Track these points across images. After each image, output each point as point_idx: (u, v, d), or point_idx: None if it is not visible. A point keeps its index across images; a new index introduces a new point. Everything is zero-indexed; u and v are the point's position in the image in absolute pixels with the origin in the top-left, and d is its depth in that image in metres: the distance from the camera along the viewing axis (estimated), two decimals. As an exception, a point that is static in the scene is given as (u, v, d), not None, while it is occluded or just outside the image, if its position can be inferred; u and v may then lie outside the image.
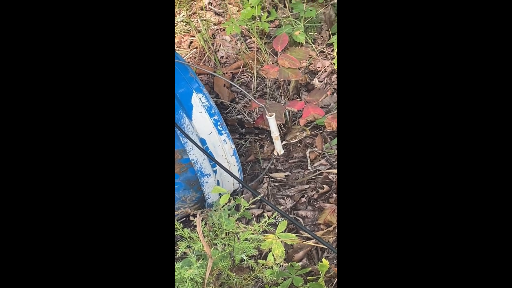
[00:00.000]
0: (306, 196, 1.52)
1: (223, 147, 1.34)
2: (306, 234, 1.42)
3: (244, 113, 1.73)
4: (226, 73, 1.84)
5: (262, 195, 1.14)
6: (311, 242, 1.39)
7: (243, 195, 1.52)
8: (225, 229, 1.11)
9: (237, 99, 1.78)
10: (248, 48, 1.91)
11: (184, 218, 1.45)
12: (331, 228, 1.44)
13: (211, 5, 2.11)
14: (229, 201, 1.17)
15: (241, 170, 1.41)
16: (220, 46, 1.93)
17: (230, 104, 1.76)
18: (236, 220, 1.13)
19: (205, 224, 1.11)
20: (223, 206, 1.15)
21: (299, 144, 1.65)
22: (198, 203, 1.42)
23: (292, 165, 1.61)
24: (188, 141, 1.27)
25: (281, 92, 1.77)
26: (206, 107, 1.32)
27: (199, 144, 1.29)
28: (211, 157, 1.29)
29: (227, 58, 1.91)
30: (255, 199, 1.10)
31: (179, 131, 1.27)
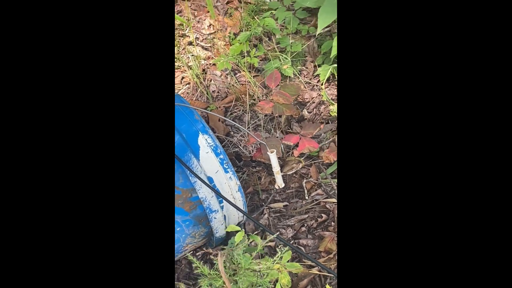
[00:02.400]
0: (305, 225, 1.61)
1: (229, 184, 1.42)
2: (308, 262, 1.51)
3: (240, 146, 1.81)
4: (219, 107, 1.92)
5: (278, 233, 1.22)
6: (314, 270, 1.48)
7: (245, 227, 1.60)
8: (243, 266, 1.19)
9: (232, 133, 1.86)
10: (238, 82, 2.00)
11: (192, 252, 1.52)
12: (331, 255, 1.53)
13: (197, 40, 2.18)
14: (244, 238, 1.25)
15: (245, 204, 1.49)
16: (211, 81, 2.01)
17: (226, 138, 1.84)
18: (252, 257, 1.21)
19: (226, 262, 1.18)
20: (238, 244, 1.23)
21: (294, 175, 1.73)
22: (206, 238, 1.49)
23: (289, 195, 1.70)
24: (197, 180, 1.35)
25: (274, 125, 1.85)
26: (212, 147, 1.40)
27: (207, 182, 1.37)
28: (219, 194, 1.37)
29: (218, 92, 1.99)
30: (271, 238, 1.18)
31: (188, 171, 1.34)
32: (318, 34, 1.72)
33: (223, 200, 1.39)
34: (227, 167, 1.40)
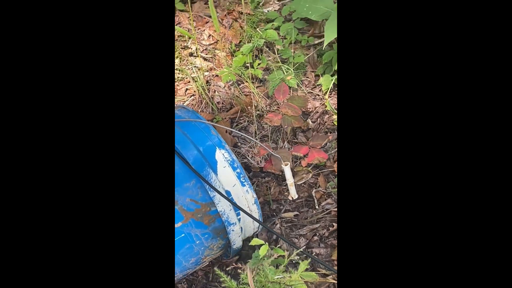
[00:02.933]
0: (318, 234, 1.65)
1: (246, 197, 1.46)
2: (323, 271, 1.55)
3: (248, 157, 1.85)
4: (225, 118, 1.95)
5: (304, 246, 1.26)
6: (329, 279, 1.53)
7: (257, 237, 1.64)
8: (270, 279, 1.23)
9: (239, 144, 1.90)
10: (242, 93, 2.03)
11: (207, 263, 1.56)
12: (345, 263, 1.57)
13: (198, 51, 2.21)
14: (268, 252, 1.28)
15: (261, 216, 1.53)
16: (215, 92, 2.04)
17: (233, 149, 1.87)
18: (281, 271, 1.25)
19: (254, 276, 1.22)
20: (263, 257, 1.27)
21: (303, 185, 1.78)
22: (223, 249, 1.53)
23: (299, 204, 1.75)
24: (216, 194, 1.38)
25: (281, 136, 1.89)
26: (229, 161, 1.43)
27: (225, 195, 1.41)
28: (237, 206, 1.41)
29: (223, 103, 2.03)
30: (297, 252, 1.22)
31: (207, 185, 1.38)
32: (325, 47, 1.76)
33: (240, 213, 1.43)
34: (244, 180, 1.44)
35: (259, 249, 1.31)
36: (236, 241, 1.48)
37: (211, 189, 1.38)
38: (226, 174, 1.43)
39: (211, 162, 1.42)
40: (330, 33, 1.68)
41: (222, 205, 1.41)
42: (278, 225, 1.68)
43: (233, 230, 1.45)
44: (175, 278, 1.46)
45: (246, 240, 1.56)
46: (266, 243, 1.31)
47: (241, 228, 1.49)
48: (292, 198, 1.60)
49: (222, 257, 1.62)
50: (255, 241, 1.34)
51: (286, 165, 1.55)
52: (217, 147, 1.45)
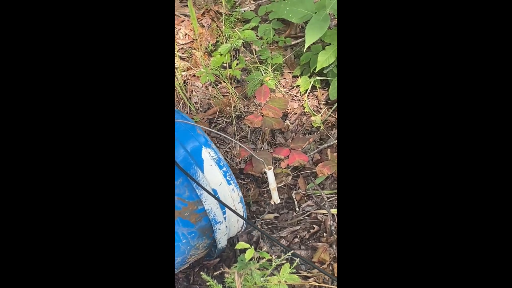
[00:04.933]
0: (298, 236, 1.66)
1: (232, 196, 1.46)
2: (304, 273, 1.56)
3: (227, 158, 1.84)
4: (203, 119, 1.94)
5: (292, 251, 1.27)
6: (311, 281, 1.53)
7: (238, 240, 1.64)
8: (258, 283, 1.23)
9: (217, 145, 1.89)
10: (220, 93, 2.02)
11: (205, 270, 1.54)
12: (325, 266, 1.59)
13: (174, 50, 2.19)
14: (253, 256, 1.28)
15: (246, 214, 1.53)
16: (192, 92, 2.03)
17: (212, 150, 1.86)
18: (266, 274, 1.25)
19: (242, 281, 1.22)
20: (249, 260, 1.27)
21: (282, 186, 1.78)
22: (207, 249, 1.52)
23: (279, 206, 1.75)
24: (203, 192, 1.38)
25: (260, 137, 1.89)
26: (215, 160, 1.44)
27: (212, 193, 1.40)
28: (223, 204, 1.40)
29: (200, 103, 2.01)
30: (287, 255, 1.22)
31: (194, 184, 1.37)
32: (305, 49, 1.77)
33: (226, 212, 1.42)
34: (230, 179, 1.44)
35: (245, 252, 1.30)
36: (222, 240, 1.48)
37: (199, 187, 1.37)
38: (212, 172, 1.43)
39: (197, 160, 1.42)
40: (311, 36, 1.69)
41: (209, 203, 1.41)
42: (258, 227, 1.68)
43: (219, 229, 1.45)
44: None
45: (228, 243, 1.56)
46: (252, 246, 1.30)
47: (227, 227, 1.49)
48: (274, 202, 1.61)
49: (205, 258, 1.62)
50: (240, 245, 1.33)
51: (269, 169, 1.55)
52: (203, 146, 1.44)
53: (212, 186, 1.41)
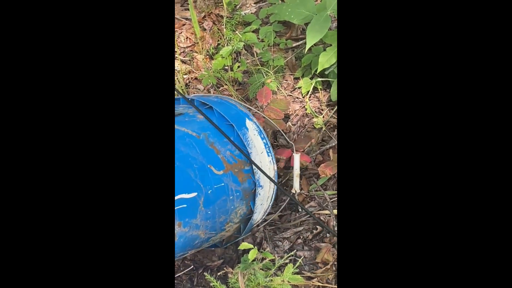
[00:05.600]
0: (301, 237, 1.66)
1: (269, 167, 1.50)
2: (307, 274, 1.56)
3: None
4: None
5: (294, 251, 1.27)
6: (314, 281, 1.54)
7: (243, 241, 1.64)
8: (261, 283, 1.23)
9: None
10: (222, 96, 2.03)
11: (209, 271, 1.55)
12: (329, 266, 1.59)
13: (176, 53, 2.20)
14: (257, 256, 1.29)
15: (275, 191, 1.57)
16: (194, 94, 2.03)
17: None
18: (269, 275, 1.25)
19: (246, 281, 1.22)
20: (252, 260, 1.27)
21: (285, 187, 1.78)
22: (242, 222, 1.53)
23: (281, 207, 1.75)
24: (253, 151, 1.46)
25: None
26: (257, 131, 1.51)
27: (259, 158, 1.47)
28: (255, 164, 1.44)
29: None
30: (289, 255, 1.23)
31: (245, 142, 1.45)
32: (306, 50, 1.78)
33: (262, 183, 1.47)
34: (268, 151, 1.50)
35: (248, 253, 1.31)
36: (257, 209, 1.49)
37: (249, 145, 1.44)
38: (256, 140, 1.48)
39: (244, 127, 1.48)
40: (312, 37, 1.70)
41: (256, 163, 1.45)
42: (261, 228, 1.68)
43: (259, 194, 1.47)
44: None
45: (234, 244, 1.57)
46: (255, 247, 1.31)
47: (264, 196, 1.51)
48: (296, 191, 1.62)
49: (232, 236, 1.60)
50: (244, 245, 1.34)
51: (297, 153, 1.57)
52: (246, 118, 1.51)
53: (258, 151, 1.48)
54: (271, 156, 1.50)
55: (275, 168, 1.51)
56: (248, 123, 1.50)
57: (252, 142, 1.46)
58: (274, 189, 1.53)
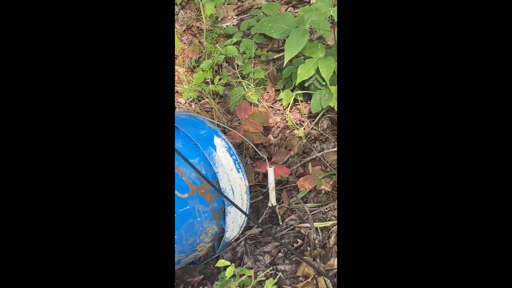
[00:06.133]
0: (282, 251, 1.66)
1: (240, 184, 1.49)
2: None
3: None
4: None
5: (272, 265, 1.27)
6: (295, 295, 1.54)
7: (223, 257, 1.64)
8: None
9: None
10: (203, 109, 2.03)
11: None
12: (309, 280, 1.59)
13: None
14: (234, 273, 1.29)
15: (249, 206, 1.56)
16: (176, 108, 2.04)
17: (196, 166, 1.87)
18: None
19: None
20: (229, 278, 1.27)
21: (266, 200, 1.79)
22: (215, 240, 1.52)
23: (262, 221, 1.75)
24: (219, 170, 1.44)
25: (242, 151, 1.90)
26: (226, 148, 1.50)
27: (227, 176, 1.46)
28: (221, 193, 1.43)
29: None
30: (266, 272, 1.23)
31: (211, 162, 1.44)
32: (285, 64, 1.78)
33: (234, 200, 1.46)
34: (238, 167, 1.49)
35: (225, 270, 1.31)
36: (229, 227, 1.49)
37: (215, 165, 1.43)
38: (224, 158, 1.47)
39: (211, 145, 1.47)
40: (290, 51, 1.70)
41: (224, 182, 1.45)
42: (242, 243, 1.68)
43: (230, 213, 1.46)
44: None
45: (215, 259, 1.56)
46: (232, 264, 1.31)
47: (235, 213, 1.50)
48: (272, 204, 1.61)
49: (209, 253, 1.61)
50: (221, 263, 1.34)
51: (270, 167, 1.57)
52: (214, 135, 1.50)
53: (225, 170, 1.46)
54: (242, 172, 1.49)
55: (247, 184, 1.50)
56: (216, 140, 1.49)
57: (219, 160, 1.45)
58: (247, 203, 1.51)
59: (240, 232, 1.58)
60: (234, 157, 1.49)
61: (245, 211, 1.50)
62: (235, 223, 1.51)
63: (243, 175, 1.49)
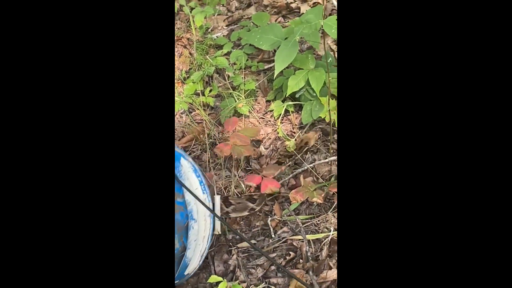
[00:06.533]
0: (275, 263, 1.66)
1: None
2: (281, 302, 1.56)
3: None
4: (178, 146, 1.94)
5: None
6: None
7: (215, 271, 1.63)
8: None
9: (192, 173, 1.89)
10: (194, 121, 2.03)
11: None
12: (302, 292, 1.58)
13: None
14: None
15: (212, 230, 1.55)
16: (166, 120, 2.03)
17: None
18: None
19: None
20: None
21: (258, 213, 1.78)
22: (176, 258, 1.50)
23: (254, 233, 1.75)
24: (185, 182, 1.44)
25: (233, 164, 1.90)
26: (192, 169, 1.50)
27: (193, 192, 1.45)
28: (196, 197, 1.43)
29: (175, 131, 2.01)
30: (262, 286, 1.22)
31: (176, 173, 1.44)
32: (276, 76, 1.78)
33: (197, 219, 1.46)
34: (204, 189, 1.49)
35: (217, 286, 1.30)
36: (191, 244, 1.46)
37: (181, 176, 1.43)
38: (191, 177, 1.48)
39: (178, 163, 1.48)
40: (281, 63, 1.70)
41: (189, 195, 1.44)
42: (234, 256, 1.68)
43: (193, 228, 1.45)
44: None
45: (207, 273, 1.56)
46: (224, 279, 1.30)
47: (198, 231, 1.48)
48: (218, 232, 1.60)
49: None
50: (213, 278, 1.33)
51: (218, 195, 1.57)
52: (181, 157, 1.50)
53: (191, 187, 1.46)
54: (207, 193, 1.49)
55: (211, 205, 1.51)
56: (183, 161, 1.50)
57: (186, 175, 1.46)
58: (210, 228, 1.51)
59: (201, 261, 1.54)
60: (200, 178, 1.50)
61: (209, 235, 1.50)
62: (197, 248, 1.48)
63: (207, 196, 1.50)
